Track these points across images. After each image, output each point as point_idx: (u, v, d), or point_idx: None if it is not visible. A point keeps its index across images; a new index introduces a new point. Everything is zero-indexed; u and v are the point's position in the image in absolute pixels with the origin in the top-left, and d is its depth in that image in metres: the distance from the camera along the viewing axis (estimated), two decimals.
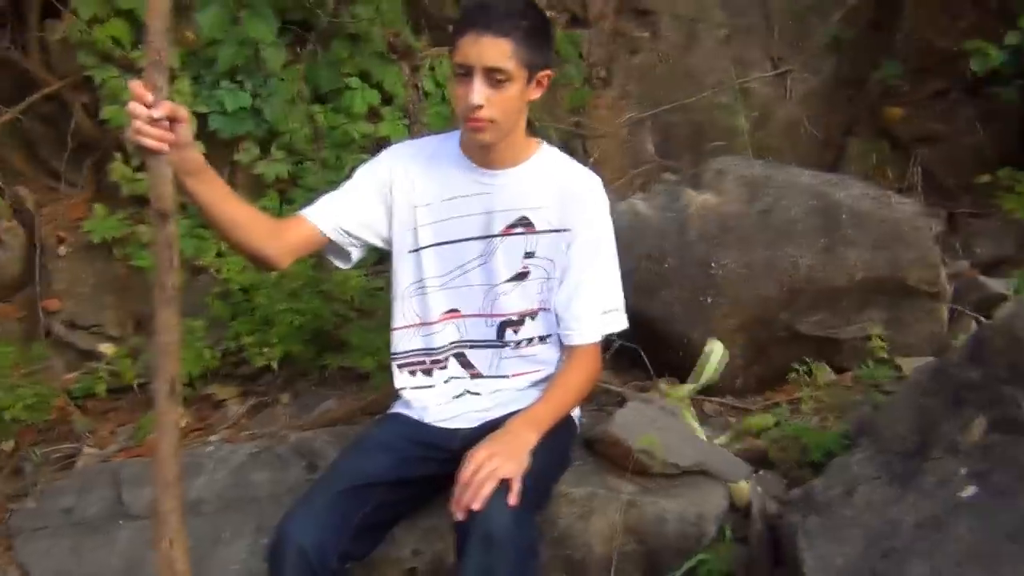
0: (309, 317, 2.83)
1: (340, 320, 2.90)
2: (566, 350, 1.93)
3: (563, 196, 1.89)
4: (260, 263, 1.86)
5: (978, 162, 3.73)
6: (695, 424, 2.17)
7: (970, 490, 1.66)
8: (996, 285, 2.78)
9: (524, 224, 1.89)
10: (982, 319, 2.58)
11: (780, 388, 2.53)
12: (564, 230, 1.89)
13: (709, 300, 2.46)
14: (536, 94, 1.81)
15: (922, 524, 1.66)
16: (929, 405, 1.88)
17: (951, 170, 3.87)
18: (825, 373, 2.52)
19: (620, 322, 1.94)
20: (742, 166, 2.65)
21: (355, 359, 2.74)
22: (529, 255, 1.90)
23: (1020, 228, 3.29)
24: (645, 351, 2.54)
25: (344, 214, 1.88)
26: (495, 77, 1.71)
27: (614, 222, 2.58)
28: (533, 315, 1.94)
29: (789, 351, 2.52)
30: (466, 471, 1.63)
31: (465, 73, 1.72)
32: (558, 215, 1.89)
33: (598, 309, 1.90)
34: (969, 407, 1.78)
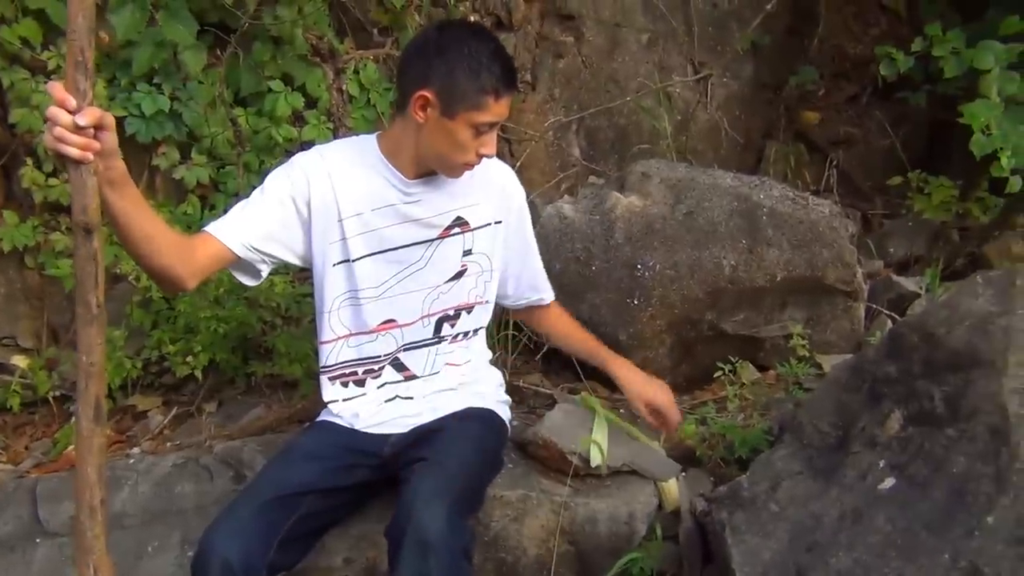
0: (234, 324, 2.78)
1: (266, 327, 2.86)
2: (543, 311, 2.18)
3: (491, 190, 1.94)
4: (167, 283, 1.72)
5: (890, 165, 3.86)
6: (626, 424, 2.18)
7: (889, 482, 1.72)
8: (909, 284, 2.88)
9: (460, 224, 1.91)
10: (896, 317, 2.67)
11: (707, 387, 2.59)
12: (497, 222, 1.95)
13: (636, 301, 2.49)
14: None
15: (844, 517, 1.71)
16: (848, 400, 1.94)
17: (865, 172, 4.00)
18: (749, 371, 2.59)
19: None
20: (666, 169, 2.68)
21: (282, 366, 2.71)
22: (467, 253, 1.93)
23: (931, 228, 3.42)
24: None
25: (253, 229, 1.78)
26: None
27: (541, 225, 2.63)
28: (469, 309, 1.96)
29: (715, 350, 2.57)
30: (668, 399, 2.06)
31: (490, 128, 1.77)
32: (490, 209, 1.94)
33: (545, 274, 2.14)
34: (886, 401, 1.83)
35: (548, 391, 2.56)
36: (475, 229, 1.92)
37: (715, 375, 2.45)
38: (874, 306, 2.74)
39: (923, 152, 3.92)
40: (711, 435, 2.24)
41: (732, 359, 2.47)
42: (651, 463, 2.11)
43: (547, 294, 2.15)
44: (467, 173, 1.88)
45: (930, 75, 3.51)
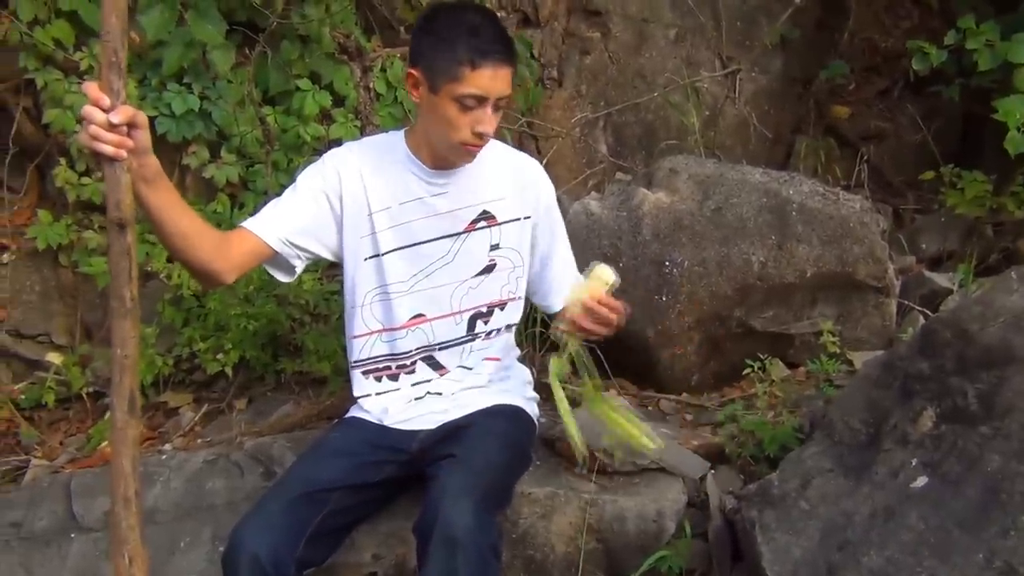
0: (264, 322, 2.81)
1: (295, 324, 2.88)
2: None
3: (518, 184, 1.93)
4: (205, 278, 1.76)
5: (922, 159, 3.81)
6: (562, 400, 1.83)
7: (921, 480, 1.70)
8: (941, 280, 2.85)
9: (486, 218, 1.91)
10: (929, 313, 2.64)
11: (735, 384, 2.57)
12: (525, 217, 1.94)
13: (664, 298, 2.48)
14: None
15: (876, 515, 1.70)
16: (880, 397, 1.92)
17: (896, 167, 3.95)
18: (779, 368, 2.56)
19: None
20: (694, 165, 2.67)
21: (311, 363, 2.73)
22: (495, 247, 1.92)
23: (963, 224, 3.37)
24: (603, 351, 2.54)
25: (289, 224, 1.81)
26: (500, 104, 1.75)
27: (568, 222, 2.62)
28: (502, 306, 1.97)
29: (743, 347, 2.55)
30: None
31: (477, 103, 1.72)
32: (518, 204, 1.93)
33: (572, 276, 1.98)
34: (919, 399, 1.81)
35: (576, 388, 2.54)
36: (502, 224, 1.92)
37: (744, 372, 2.44)
38: (906, 302, 2.71)
39: (956, 146, 3.87)
40: (740, 432, 2.22)
41: (762, 356, 2.46)
42: (680, 460, 2.10)
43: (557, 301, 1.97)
44: (498, 167, 1.88)
45: (963, 68, 3.46)
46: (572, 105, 3.70)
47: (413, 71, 1.76)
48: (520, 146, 3.51)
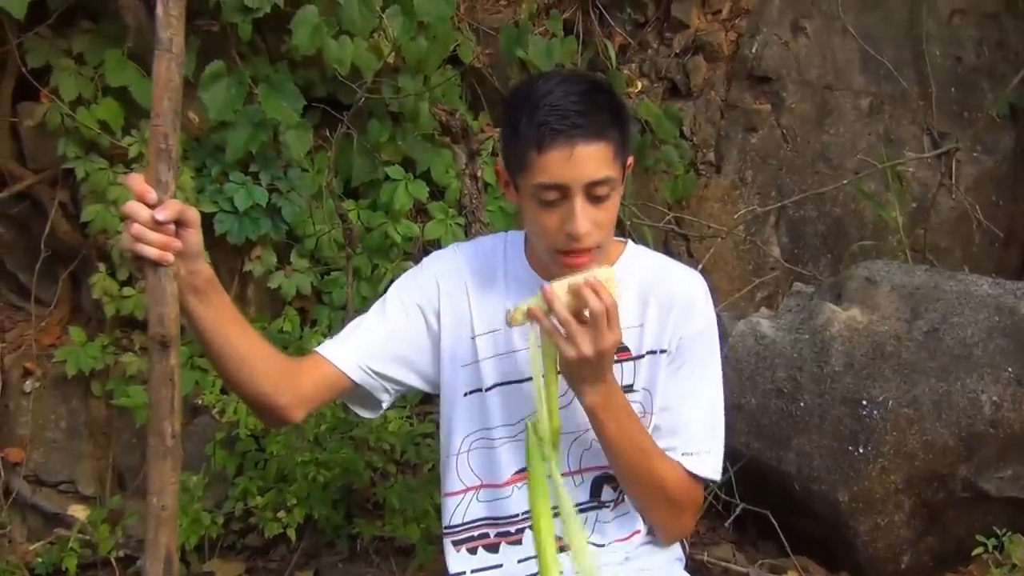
0: (337, 471, 2.84)
1: (376, 475, 2.90)
2: None
3: (663, 309, 1.83)
4: (267, 414, 1.79)
5: None
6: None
7: None
8: None
9: (620, 350, 1.84)
10: None
11: (963, 569, 2.49)
12: (662, 351, 1.84)
13: (861, 450, 2.44)
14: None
15: None
16: None
17: None
18: (1022, 548, 2.46)
19: (704, 468, 1.82)
20: (898, 273, 2.66)
21: (395, 527, 2.73)
22: (627, 388, 1.85)
23: None
24: (777, 518, 2.50)
25: (373, 349, 1.82)
26: (597, 192, 1.67)
27: (732, 346, 2.60)
28: None
29: (973, 518, 2.48)
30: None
31: (560, 195, 1.66)
32: (656, 333, 1.84)
33: (677, 450, 1.81)
34: None
35: (742, 569, 2.49)
36: (636, 358, 1.86)
37: (975, 552, 2.36)
38: None
39: None
40: None
41: (998, 531, 2.38)
42: None
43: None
44: (639, 284, 1.81)
45: None
46: (734, 196, 3.72)
47: (498, 166, 1.77)
48: (666, 249, 3.53)
